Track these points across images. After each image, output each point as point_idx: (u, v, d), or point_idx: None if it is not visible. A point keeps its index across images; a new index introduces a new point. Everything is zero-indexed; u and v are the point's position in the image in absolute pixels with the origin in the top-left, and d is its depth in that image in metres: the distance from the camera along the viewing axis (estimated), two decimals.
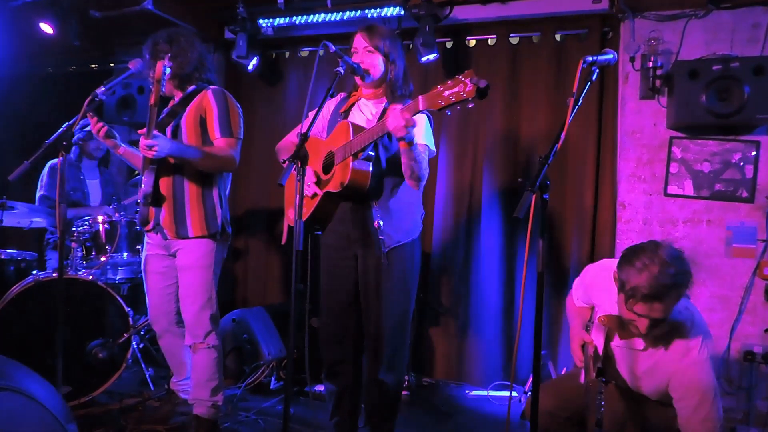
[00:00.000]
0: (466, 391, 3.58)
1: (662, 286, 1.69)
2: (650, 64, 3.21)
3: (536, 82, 3.61)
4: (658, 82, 3.23)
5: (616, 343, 1.99)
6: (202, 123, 2.53)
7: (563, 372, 2.38)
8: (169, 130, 2.55)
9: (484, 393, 3.52)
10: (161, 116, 2.62)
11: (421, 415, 3.25)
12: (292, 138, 2.53)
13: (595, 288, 2.09)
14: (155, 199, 2.52)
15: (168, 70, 2.47)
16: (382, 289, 2.24)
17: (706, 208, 3.22)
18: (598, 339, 2.05)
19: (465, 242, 3.75)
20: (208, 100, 2.53)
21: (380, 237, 2.22)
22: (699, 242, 3.23)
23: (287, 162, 1.96)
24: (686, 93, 3.02)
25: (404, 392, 3.46)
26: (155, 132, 2.36)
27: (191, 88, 2.60)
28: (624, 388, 2.07)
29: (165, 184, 2.53)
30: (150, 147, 2.33)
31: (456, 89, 1.80)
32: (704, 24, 3.20)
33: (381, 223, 2.22)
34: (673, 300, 1.73)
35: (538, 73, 3.60)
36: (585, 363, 2.03)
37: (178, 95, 2.62)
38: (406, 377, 3.49)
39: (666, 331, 1.86)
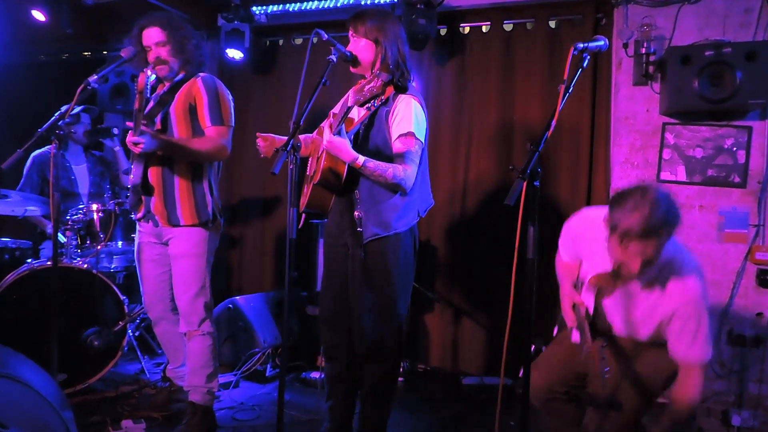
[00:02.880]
0: (461, 378, 3.61)
1: (654, 223, 1.73)
2: (643, 50, 3.20)
3: (530, 69, 3.60)
4: (651, 68, 3.23)
5: (608, 299, 2.03)
6: (192, 111, 2.53)
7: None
8: (158, 119, 2.53)
9: (478, 380, 3.55)
10: (149, 106, 2.60)
11: (416, 401, 3.27)
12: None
13: (582, 239, 2.12)
14: (145, 189, 2.54)
15: (152, 78, 2.47)
16: (362, 280, 2.26)
17: (698, 194, 3.24)
18: (588, 299, 2.07)
19: (459, 229, 3.76)
20: (197, 88, 2.52)
21: (358, 229, 2.23)
22: (691, 227, 3.25)
23: (279, 151, 1.97)
24: (679, 79, 3.02)
25: (400, 378, 3.50)
26: (142, 128, 2.37)
27: (180, 76, 2.58)
28: (616, 347, 2.08)
29: (154, 174, 2.54)
30: (136, 144, 2.35)
31: (371, 84, 1.94)
32: (697, 9, 3.19)
33: (361, 214, 2.23)
34: (665, 238, 1.77)
35: (533, 60, 3.59)
36: (579, 324, 2.04)
37: (167, 83, 2.59)
38: (402, 363, 3.52)
39: (659, 270, 1.90)
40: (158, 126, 2.53)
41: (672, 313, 1.90)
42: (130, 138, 2.37)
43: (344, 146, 2.09)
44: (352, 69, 2.32)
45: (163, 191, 2.53)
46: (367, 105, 1.95)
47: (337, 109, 2.47)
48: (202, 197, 2.56)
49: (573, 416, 2.18)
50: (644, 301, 1.96)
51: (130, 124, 2.41)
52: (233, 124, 2.59)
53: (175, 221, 2.54)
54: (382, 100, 1.91)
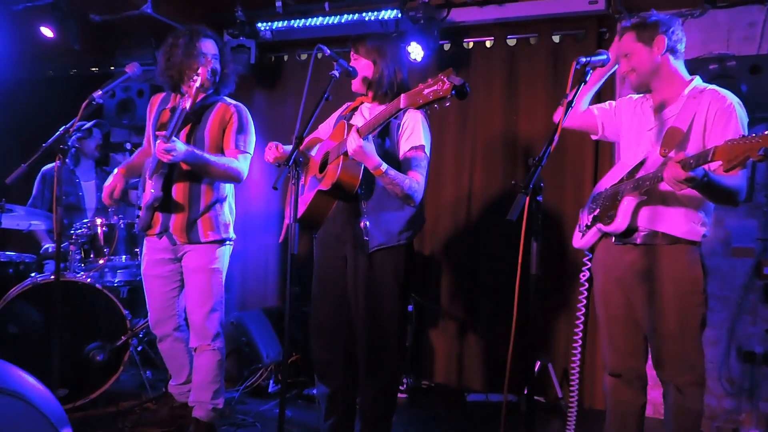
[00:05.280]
0: (466, 395, 3.56)
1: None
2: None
3: (534, 84, 3.60)
4: None
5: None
6: (223, 134, 2.59)
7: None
8: (183, 134, 2.54)
9: (483, 397, 3.51)
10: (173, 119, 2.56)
11: (420, 418, 3.24)
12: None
13: (625, 109, 2.24)
14: (166, 204, 2.53)
15: (209, 76, 2.47)
16: (366, 291, 2.24)
17: None
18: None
19: (464, 244, 3.74)
20: (231, 113, 2.58)
21: (365, 238, 2.22)
22: None
23: (281, 166, 1.98)
24: None
25: (403, 395, 3.46)
26: (174, 137, 2.38)
27: (208, 94, 2.59)
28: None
29: (181, 191, 2.54)
30: (168, 151, 2.34)
31: (435, 87, 1.84)
32: (700, 23, 3.19)
33: (368, 223, 2.22)
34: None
35: (536, 75, 3.60)
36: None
37: (190, 101, 2.55)
38: (405, 379, 3.49)
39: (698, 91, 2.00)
40: (183, 140, 2.53)
41: (707, 107, 1.94)
42: (162, 146, 2.34)
43: (372, 152, 2.08)
44: (354, 87, 2.35)
45: (189, 208, 2.54)
46: (425, 108, 1.89)
47: (332, 120, 2.47)
48: (224, 215, 2.61)
49: (635, 413, 2.13)
50: (683, 113, 1.98)
51: (161, 133, 2.37)
52: (252, 154, 2.67)
53: (195, 238, 2.54)
54: (448, 103, 1.84)
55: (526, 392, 3.19)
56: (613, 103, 2.29)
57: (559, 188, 3.52)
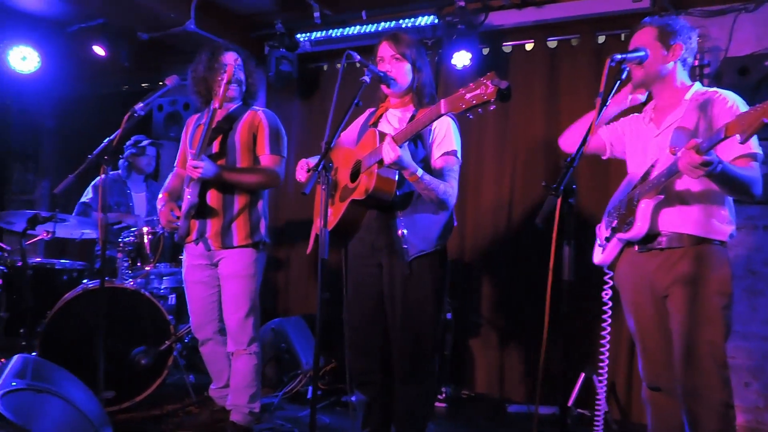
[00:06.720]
0: (507, 406, 3.47)
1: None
2: (696, 63, 3.06)
3: (576, 86, 3.50)
4: (705, 81, 3.07)
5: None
6: (254, 140, 2.67)
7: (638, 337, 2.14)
8: (215, 144, 2.63)
9: (525, 408, 3.41)
10: (204, 130, 2.66)
11: (460, 428, 3.17)
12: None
13: (627, 126, 2.23)
14: (201, 210, 2.60)
15: (236, 72, 2.59)
16: (405, 298, 2.22)
17: (762, 213, 3.01)
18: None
19: (505, 251, 3.66)
20: (259, 118, 2.66)
21: (404, 246, 2.20)
22: (756, 250, 3.03)
23: (311, 172, 1.98)
24: (736, 91, 2.81)
25: (443, 404, 3.41)
26: (204, 155, 2.50)
27: (237, 104, 2.70)
28: None
29: (215, 197, 2.62)
30: (196, 167, 2.46)
31: (477, 92, 1.77)
32: (755, 18, 3.02)
33: (405, 231, 2.20)
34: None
35: (578, 77, 3.49)
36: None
37: (223, 111, 2.67)
38: (444, 389, 3.43)
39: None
40: (216, 150, 2.63)
41: (710, 108, 1.93)
42: (190, 162, 2.47)
43: (410, 160, 2.06)
44: (385, 90, 2.32)
45: (223, 213, 2.61)
46: (468, 113, 1.83)
47: (355, 128, 2.46)
48: (257, 219, 2.66)
49: (673, 418, 2.06)
50: (687, 115, 1.97)
51: (192, 150, 2.51)
52: (286, 156, 2.73)
53: (229, 243, 2.61)
54: (493, 107, 1.78)
55: (568, 404, 3.11)
56: (616, 123, 2.26)
57: (603, 192, 3.39)
